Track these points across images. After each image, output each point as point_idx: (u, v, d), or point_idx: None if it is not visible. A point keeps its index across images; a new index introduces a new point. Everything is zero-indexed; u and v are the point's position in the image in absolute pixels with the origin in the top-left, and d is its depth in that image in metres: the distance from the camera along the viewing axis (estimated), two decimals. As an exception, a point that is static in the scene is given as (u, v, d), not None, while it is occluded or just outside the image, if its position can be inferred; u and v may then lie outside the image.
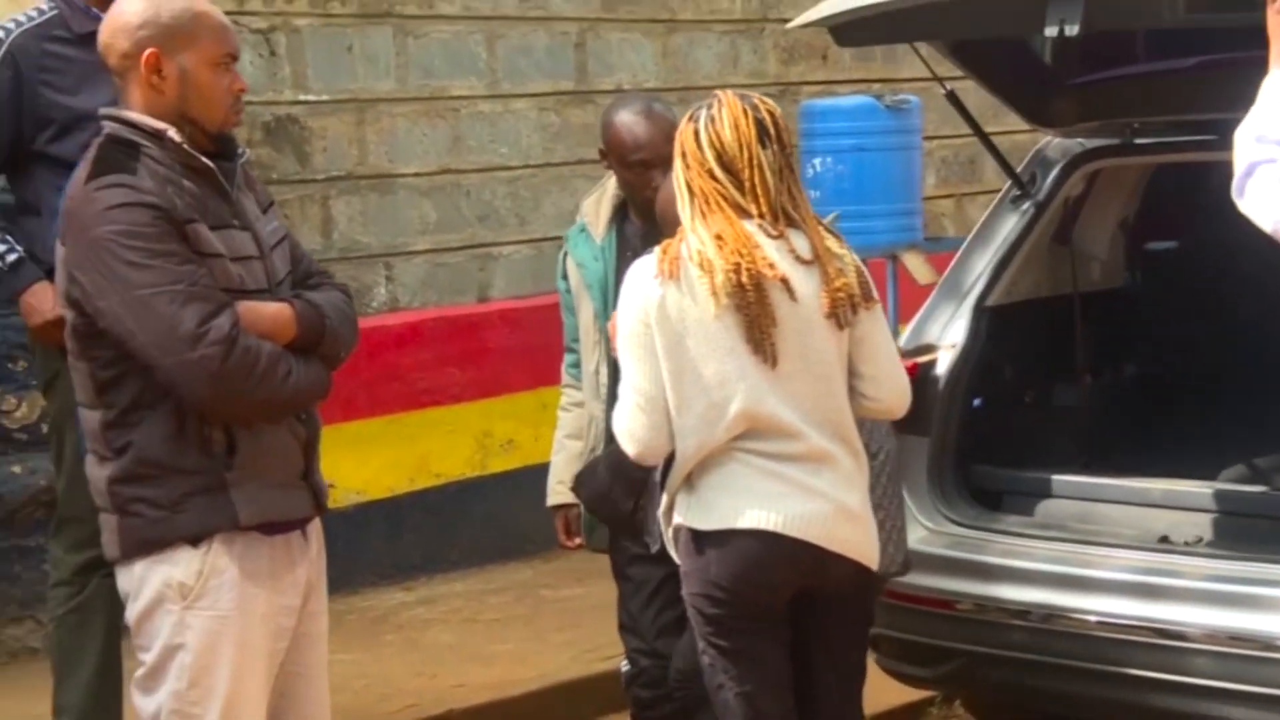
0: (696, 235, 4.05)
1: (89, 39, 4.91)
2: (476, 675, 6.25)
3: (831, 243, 4.13)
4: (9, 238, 5.01)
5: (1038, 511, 5.31)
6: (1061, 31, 4.61)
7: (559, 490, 4.97)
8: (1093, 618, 4.81)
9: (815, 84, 9.08)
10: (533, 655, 6.45)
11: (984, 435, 5.38)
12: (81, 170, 3.67)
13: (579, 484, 4.78)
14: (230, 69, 3.74)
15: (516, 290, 8.15)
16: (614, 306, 4.74)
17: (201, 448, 3.67)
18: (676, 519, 4.16)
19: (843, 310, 4.06)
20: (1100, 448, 5.63)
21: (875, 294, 4.14)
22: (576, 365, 5.00)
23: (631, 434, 4.09)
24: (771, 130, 4.08)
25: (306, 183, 7.46)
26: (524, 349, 7.78)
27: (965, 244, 5.57)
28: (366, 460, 7.26)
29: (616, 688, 5.05)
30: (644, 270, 4.09)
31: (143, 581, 3.72)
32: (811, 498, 4.04)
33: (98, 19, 4.91)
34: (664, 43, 8.73)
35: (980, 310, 5.39)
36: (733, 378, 4.01)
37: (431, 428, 7.58)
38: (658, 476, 4.37)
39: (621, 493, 4.51)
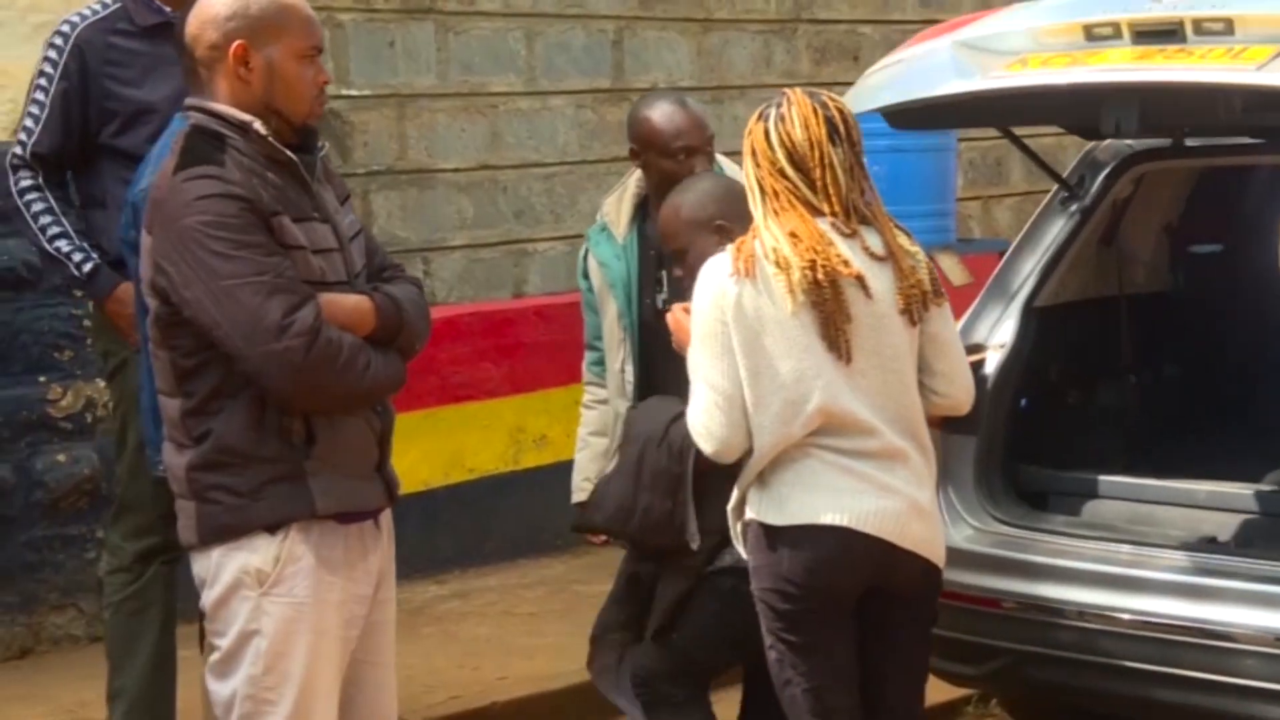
0: (770, 233, 4.05)
1: (152, 31, 4.97)
2: (517, 668, 6.27)
3: (903, 239, 4.16)
4: (86, 244, 5.03)
5: (1084, 511, 5.31)
6: (1118, 131, 4.70)
7: (584, 487, 4.96)
8: (1139, 618, 4.80)
9: (847, 84, 9.05)
10: (571, 649, 6.41)
11: (1030, 435, 5.38)
12: (169, 160, 3.70)
13: (594, 509, 4.72)
14: (315, 61, 3.76)
15: (551, 286, 8.17)
16: (637, 305, 4.79)
17: (281, 437, 3.70)
18: (748, 514, 4.16)
19: (915, 307, 4.08)
20: (1145, 449, 5.64)
21: (944, 291, 4.17)
22: (598, 363, 5.01)
23: (709, 432, 4.08)
24: (841, 128, 4.10)
25: (347, 177, 7.41)
26: (558, 345, 7.78)
27: (1014, 245, 5.57)
28: (401, 454, 7.07)
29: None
30: (719, 268, 4.08)
31: (219, 568, 3.75)
32: (886, 494, 4.05)
33: (161, 12, 4.99)
34: (699, 42, 8.76)
35: (1028, 311, 5.38)
36: (810, 375, 4.01)
37: (466, 423, 7.58)
38: (690, 470, 4.40)
39: (661, 493, 4.48)
